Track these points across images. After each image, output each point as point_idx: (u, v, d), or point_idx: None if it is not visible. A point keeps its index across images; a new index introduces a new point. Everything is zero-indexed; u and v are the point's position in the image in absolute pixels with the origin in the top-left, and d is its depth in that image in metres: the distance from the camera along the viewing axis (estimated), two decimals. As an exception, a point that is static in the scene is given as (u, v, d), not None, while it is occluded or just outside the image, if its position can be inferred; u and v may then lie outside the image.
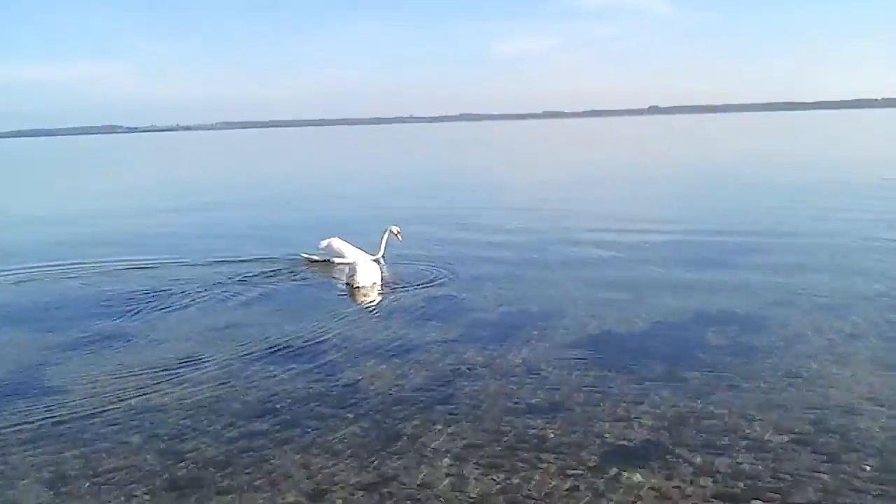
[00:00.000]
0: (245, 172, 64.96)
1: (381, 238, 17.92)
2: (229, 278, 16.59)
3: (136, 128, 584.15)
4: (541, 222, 25.22)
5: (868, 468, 7.36)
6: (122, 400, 9.77)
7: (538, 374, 10.24)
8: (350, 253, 17.49)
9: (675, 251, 18.91)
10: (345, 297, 15.32)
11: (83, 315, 14.10)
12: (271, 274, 17.17)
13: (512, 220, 25.73)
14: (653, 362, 10.46)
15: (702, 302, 13.54)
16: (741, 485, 7.12)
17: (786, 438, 8.00)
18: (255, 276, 16.93)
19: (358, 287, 15.50)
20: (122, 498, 7.35)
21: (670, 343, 11.36)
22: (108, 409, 9.49)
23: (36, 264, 19.35)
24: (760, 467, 7.43)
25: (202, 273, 17.44)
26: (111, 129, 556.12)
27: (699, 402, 9.06)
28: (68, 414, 9.37)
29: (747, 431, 8.22)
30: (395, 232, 17.95)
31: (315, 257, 17.75)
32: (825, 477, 7.21)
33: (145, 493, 7.41)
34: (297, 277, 16.93)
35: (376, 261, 17.20)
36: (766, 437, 8.06)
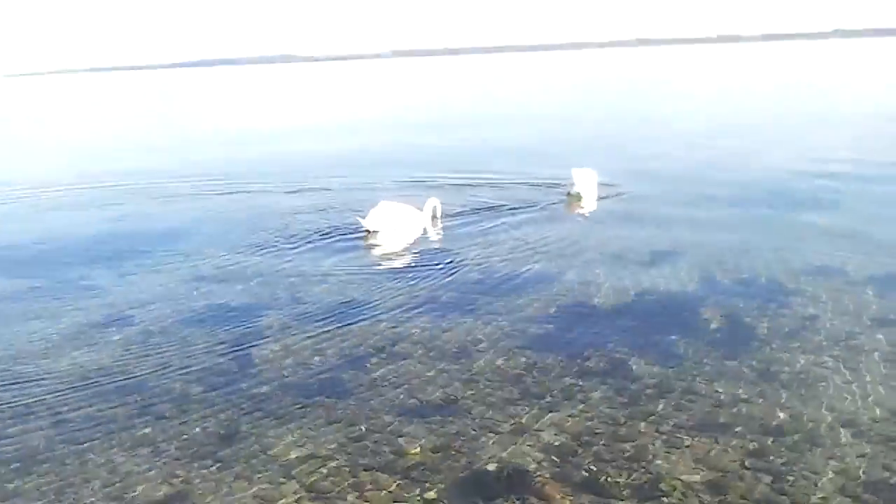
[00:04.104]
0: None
1: (425, 205, 15.17)
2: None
3: (314, 57, 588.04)
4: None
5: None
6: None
7: (469, 356, 8.48)
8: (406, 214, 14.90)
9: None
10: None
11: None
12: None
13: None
14: (596, 353, 8.54)
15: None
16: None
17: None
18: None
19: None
20: None
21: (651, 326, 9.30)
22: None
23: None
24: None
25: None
26: (288, 59, 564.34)
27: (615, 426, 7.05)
28: None
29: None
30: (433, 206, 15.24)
31: (373, 227, 14.49)
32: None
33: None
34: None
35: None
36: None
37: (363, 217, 14.44)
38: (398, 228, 14.50)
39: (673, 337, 8.78)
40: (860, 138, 26.00)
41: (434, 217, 15.18)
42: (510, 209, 15.90)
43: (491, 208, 16.05)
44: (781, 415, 6.94)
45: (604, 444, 6.63)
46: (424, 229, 14.80)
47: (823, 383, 7.51)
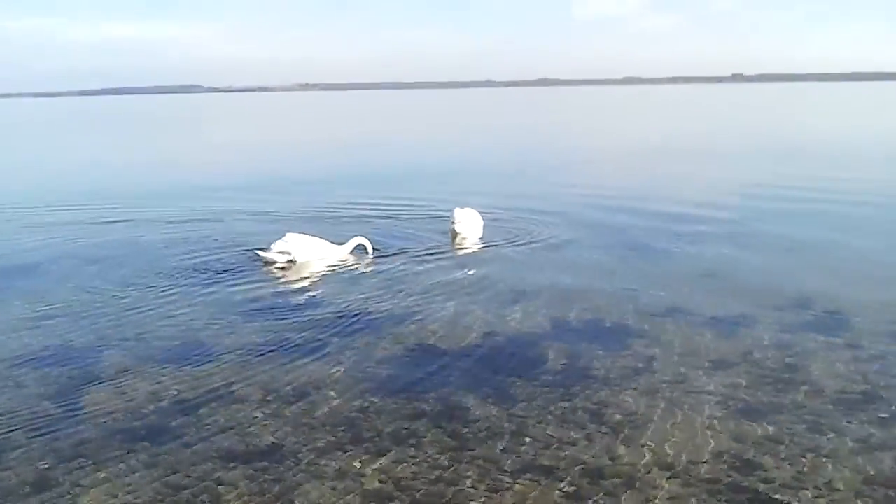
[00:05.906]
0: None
1: (348, 241, 15.05)
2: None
3: (217, 88, 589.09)
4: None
5: None
6: None
7: (306, 399, 8.30)
8: (316, 248, 14.74)
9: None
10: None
11: None
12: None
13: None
14: (434, 395, 8.53)
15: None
16: None
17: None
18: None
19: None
20: None
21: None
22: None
23: None
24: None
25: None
26: (191, 89, 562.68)
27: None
28: None
29: None
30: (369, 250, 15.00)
31: (274, 259, 14.36)
32: None
33: None
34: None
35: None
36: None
37: (264, 250, 14.24)
38: (307, 261, 14.31)
39: (513, 378, 8.83)
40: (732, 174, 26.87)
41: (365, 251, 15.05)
42: (392, 247, 15.78)
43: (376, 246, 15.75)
44: (604, 457, 7.01)
45: (424, 490, 6.58)
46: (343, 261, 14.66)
47: (651, 426, 7.62)
